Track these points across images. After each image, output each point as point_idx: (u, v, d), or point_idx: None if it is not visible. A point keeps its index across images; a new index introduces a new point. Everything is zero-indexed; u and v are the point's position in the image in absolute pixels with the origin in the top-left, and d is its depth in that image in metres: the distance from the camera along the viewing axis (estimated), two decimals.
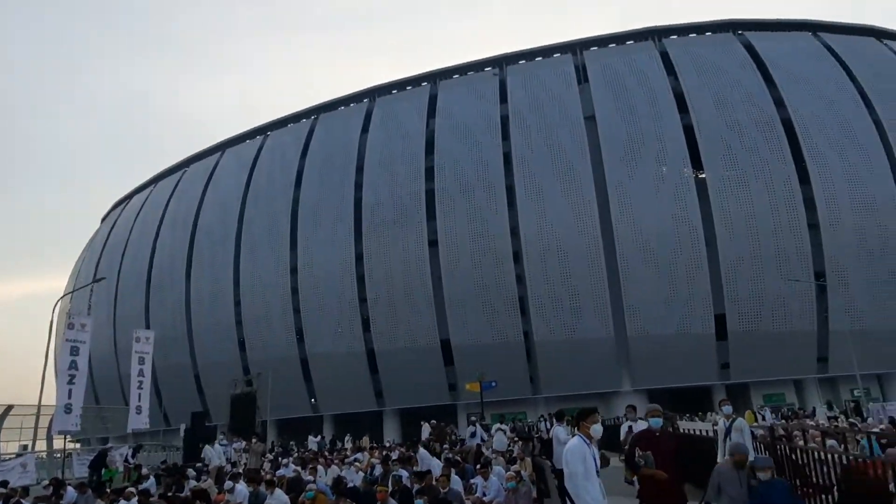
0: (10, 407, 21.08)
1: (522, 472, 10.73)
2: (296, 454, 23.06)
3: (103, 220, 64.27)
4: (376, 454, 17.74)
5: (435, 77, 42.21)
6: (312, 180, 40.08)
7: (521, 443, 18.45)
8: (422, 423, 26.45)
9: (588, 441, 5.40)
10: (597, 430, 5.48)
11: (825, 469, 7.09)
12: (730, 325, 31.18)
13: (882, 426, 15.27)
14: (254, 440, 21.54)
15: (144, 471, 18.74)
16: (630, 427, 10.21)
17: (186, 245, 43.92)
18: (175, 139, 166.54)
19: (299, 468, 15.24)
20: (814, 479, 7.39)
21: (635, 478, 6.22)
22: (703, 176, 32.65)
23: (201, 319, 41.45)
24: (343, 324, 36.31)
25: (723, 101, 34.18)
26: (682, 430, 14.73)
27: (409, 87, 43.14)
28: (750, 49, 36.43)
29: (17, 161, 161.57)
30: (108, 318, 46.97)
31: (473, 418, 23.02)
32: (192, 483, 15.35)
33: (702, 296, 31.34)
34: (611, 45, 39.84)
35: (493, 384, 28.84)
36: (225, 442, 24.11)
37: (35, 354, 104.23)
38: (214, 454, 19.90)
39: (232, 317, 40.08)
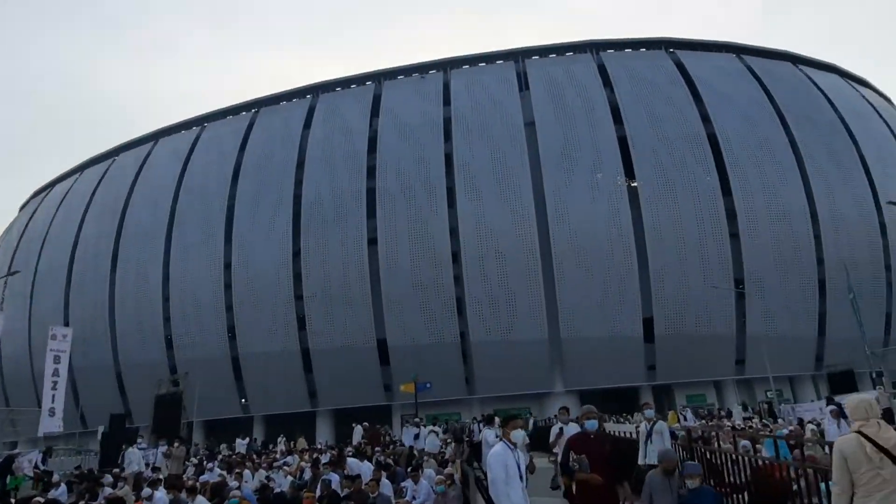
0: None
1: (456, 475, 10.80)
2: (222, 457, 22.18)
3: (21, 209, 60.30)
4: (307, 457, 17.37)
5: (380, 77, 42.15)
6: (250, 174, 39.13)
7: (454, 445, 18.61)
8: (353, 424, 26.22)
9: (511, 446, 5.44)
10: (518, 435, 5.57)
11: (738, 470, 7.46)
12: (657, 329, 32.50)
13: (791, 427, 16.27)
14: (176, 443, 20.49)
15: (55, 477, 17.59)
16: (561, 429, 10.01)
17: (113, 238, 41.83)
18: (103, 126, 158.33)
19: (225, 472, 14.59)
20: (727, 480, 7.76)
21: (570, 483, 5.84)
22: (635, 185, 34.00)
23: (126, 316, 39.51)
24: (278, 322, 35.51)
25: (654, 115, 35.75)
26: (607, 432, 15.14)
27: (353, 86, 42.88)
28: (680, 67, 38.33)
29: None
30: (23, 313, 44.09)
31: (417, 420, 23.02)
32: (108, 490, 14.56)
33: (631, 300, 32.55)
34: (551, 56, 40.96)
35: (428, 385, 28.92)
36: (144, 445, 23.03)
37: None
38: (135, 458, 19.02)
39: (160, 314, 38.44)
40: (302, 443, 27.57)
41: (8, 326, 37.15)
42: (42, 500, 11.22)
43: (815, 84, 39.65)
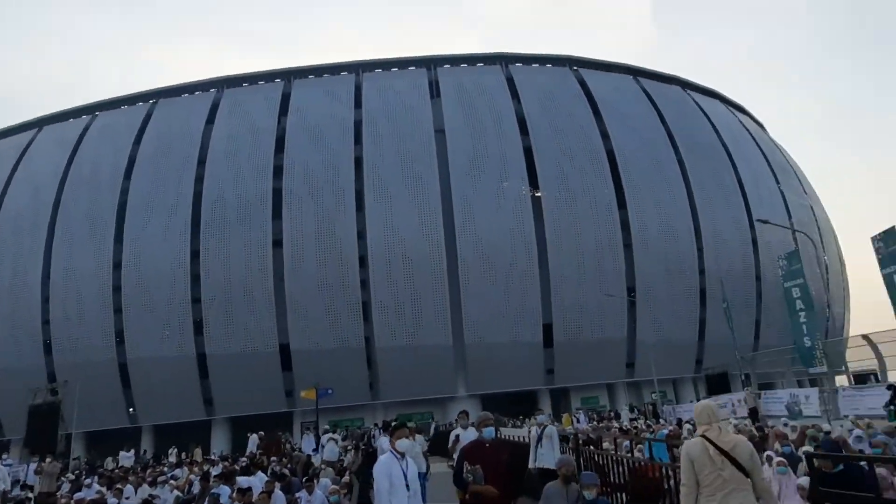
0: None
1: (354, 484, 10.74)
2: (103, 472, 20.64)
3: None
4: (196, 470, 16.60)
5: (289, 75, 41.20)
6: (146, 169, 36.93)
7: (352, 453, 18.39)
8: (248, 434, 25.29)
9: (398, 456, 5.40)
10: (404, 444, 5.51)
11: (619, 470, 7.97)
12: (555, 335, 33.91)
13: (671, 427, 17.51)
14: (48, 458, 18.88)
15: None
16: (458, 435, 9.49)
17: None
18: None
19: (104, 489, 13.62)
20: (611, 479, 8.26)
21: (463, 496, 5.37)
22: (539, 195, 35.34)
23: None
24: (172, 326, 33.73)
25: (558, 129, 37.37)
26: (503, 437, 15.51)
27: (261, 82, 41.61)
28: (582, 84, 40.35)
29: None
30: None
31: (327, 427, 22.55)
32: None
33: (532, 306, 33.77)
34: (463, 65, 41.78)
35: (330, 392, 28.38)
36: (10, 461, 21.15)
37: None
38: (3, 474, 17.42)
39: (38, 316, 35.33)
40: (199, 454, 26.37)
41: None
42: None
43: (701, 108, 43.05)
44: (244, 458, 19.68)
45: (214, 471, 14.21)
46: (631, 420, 26.47)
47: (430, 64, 41.28)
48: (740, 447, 4.40)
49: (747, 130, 45.32)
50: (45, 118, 43.95)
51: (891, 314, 16.38)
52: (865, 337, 21.49)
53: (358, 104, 38.23)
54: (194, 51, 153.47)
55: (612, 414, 31.17)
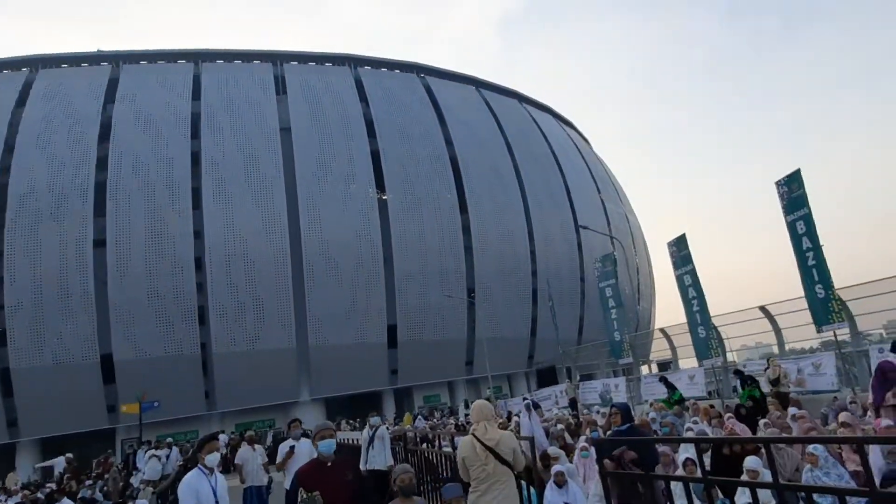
0: None
1: None
2: None
3: None
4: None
5: (118, 59, 37.72)
6: None
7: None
8: (57, 458, 23.03)
9: (206, 471, 5.11)
10: (212, 459, 5.18)
11: (449, 464, 8.59)
12: (399, 335, 34.79)
13: (500, 420, 18.93)
14: None
15: None
16: (292, 447, 8.69)
17: None
18: None
19: None
20: (441, 473, 8.73)
21: None
22: (385, 198, 35.99)
23: None
24: None
25: (405, 133, 38.30)
26: (348, 456, 15.55)
27: (84, 65, 37.59)
28: (429, 91, 41.73)
29: None
30: None
31: (150, 445, 21.00)
32: None
33: (377, 307, 34.35)
34: (310, 63, 41.14)
35: (156, 404, 26.61)
36: None
37: None
38: None
39: None
40: (12, 479, 23.39)
41: None
42: None
43: (535, 121, 46.56)
44: (50, 484, 18.05)
45: (11, 501, 12.91)
46: (466, 416, 28.00)
47: (277, 59, 40.13)
48: (504, 442, 4.76)
49: (574, 144, 49.84)
50: None
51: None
52: (662, 330, 24.75)
53: (196, 96, 36.07)
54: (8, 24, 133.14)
55: (448, 411, 32.71)
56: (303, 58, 41.21)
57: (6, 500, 14.24)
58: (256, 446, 10.98)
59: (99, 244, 31.06)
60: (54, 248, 30.66)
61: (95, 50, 38.62)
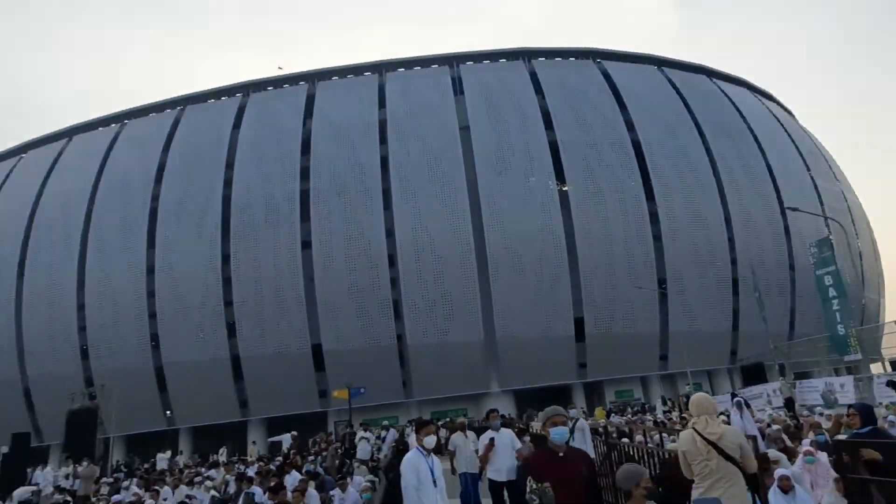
0: None
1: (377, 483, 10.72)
2: (141, 474, 20.86)
3: None
4: (232, 470, 16.76)
5: (313, 77, 41.52)
6: (176, 175, 37.44)
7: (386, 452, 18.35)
8: (282, 435, 25.51)
9: (424, 452, 5.48)
10: (430, 441, 5.54)
11: (652, 462, 7.92)
12: (587, 328, 33.66)
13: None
14: (85, 462, 19.08)
15: None
16: (492, 439, 7.96)
17: (20, 242, 38.77)
18: (9, 121, 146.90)
19: (142, 490, 13.80)
20: (651, 471, 8.21)
21: None
22: (566, 189, 35.14)
23: (36, 325, 36.68)
24: (206, 329, 34.11)
25: (583, 122, 37.13)
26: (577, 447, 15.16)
27: (286, 85, 42.00)
28: (606, 76, 40.07)
29: None
30: None
31: (364, 424, 22.58)
32: None
33: (563, 300, 33.56)
34: (485, 62, 41.75)
35: (362, 391, 28.55)
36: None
37: None
38: (45, 480, 17.69)
39: (74, 322, 35.97)
40: (253, 450, 26.70)
41: None
42: None
43: (727, 96, 42.49)
44: (278, 458, 19.84)
45: (249, 471, 14.25)
46: (665, 412, 26.18)
47: (453, 61, 41.31)
48: (727, 438, 4.52)
49: (775, 118, 44.66)
50: (74, 127, 44.76)
51: None
52: None
53: (382, 104, 38.39)
54: (221, 56, 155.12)
55: (645, 407, 30.85)
56: (477, 57, 41.96)
57: (245, 469, 15.82)
58: (469, 433, 10.90)
59: (305, 246, 34.28)
60: (270, 252, 34.44)
61: (279, 68, 42.89)
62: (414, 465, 5.34)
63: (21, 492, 15.75)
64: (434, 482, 5.36)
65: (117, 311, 35.31)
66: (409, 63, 41.73)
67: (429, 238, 33.72)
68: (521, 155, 35.82)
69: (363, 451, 17.84)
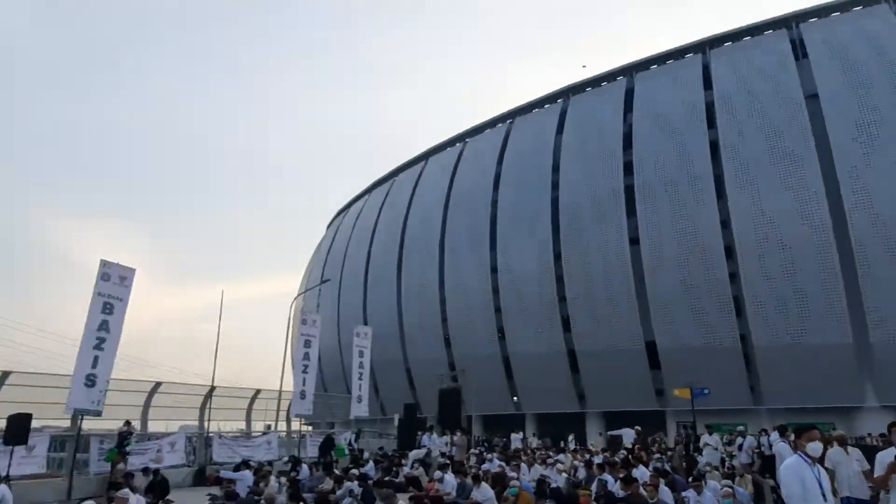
0: (258, 391, 24.69)
1: (739, 489, 10.18)
2: (499, 450, 23.68)
3: (328, 227, 72.94)
4: (579, 457, 17.85)
5: (630, 70, 40.97)
6: (509, 183, 41.44)
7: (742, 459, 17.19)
8: (624, 429, 25.84)
9: (808, 460, 4.86)
10: (815, 448, 4.89)
11: None
12: None
13: None
14: (458, 433, 22.49)
15: (365, 455, 20.78)
16: None
17: (397, 249, 48.12)
18: (387, 150, 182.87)
19: (504, 464, 15.69)
20: None
21: None
22: None
23: (411, 318, 45.09)
24: (543, 323, 36.93)
25: None
26: None
27: (603, 84, 42.43)
28: None
29: (268, 181, 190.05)
30: (332, 315, 53.24)
31: (709, 427, 21.77)
32: (406, 469, 16.93)
33: None
34: (834, 14, 35.12)
35: (706, 392, 27.10)
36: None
37: (280, 345, 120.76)
38: (434, 444, 21.51)
39: (438, 315, 42.97)
40: (599, 441, 28.06)
41: (322, 325, 45.34)
42: (357, 472, 13.78)
43: None
44: (621, 452, 20.34)
45: (597, 459, 15.00)
46: None
47: (791, 22, 35.85)
48: None
49: None
50: (429, 150, 53.28)
51: None
52: None
53: (707, 85, 35.69)
54: (539, 67, 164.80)
55: None
56: (823, 10, 35.57)
57: (590, 457, 16.74)
58: (850, 449, 9.49)
59: (633, 242, 34.16)
60: (597, 248, 35.37)
61: (583, 66, 42.95)
62: (797, 474, 4.76)
63: (416, 452, 19.66)
64: (823, 496, 4.76)
65: (469, 306, 40.88)
66: (735, 35, 37.73)
67: (773, 227, 30.13)
68: (892, 120, 29.17)
69: (712, 456, 17.28)
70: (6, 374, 14.12)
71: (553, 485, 11.83)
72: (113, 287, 14.71)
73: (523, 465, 15.35)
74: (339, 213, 70.09)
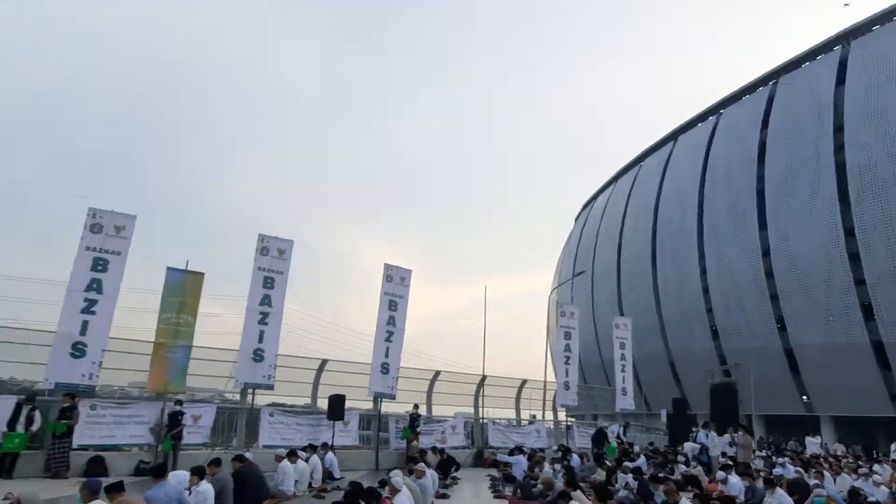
0: (524, 381, 25.36)
1: None
2: (791, 455, 21.00)
3: (576, 220, 72.91)
4: None
5: None
6: (777, 152, 36.23)
7: None
8: None
9: None
10: None
11: None
12: None
13: None
14: (739, 432, 20.46)
15: (636, 449, 20.10)
16: None
17: (649, 236, 45.77)
18: (629, 138, 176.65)
19: (801, 470, 14.05)
20: None
21: None
22: None
23: (670, 308, 42.41)
24: (835, 311, 31.43)
25: None
26: None
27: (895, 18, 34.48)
28: None
29: (513, 177, 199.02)
30: (587, 307, 52.87)
31: None
32: (682, 468, 15.83)
33: None
34: None
35: None
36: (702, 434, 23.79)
37: (539, 339, 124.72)
38: (713, 442, 19.89)
39: (701, 305, 39.65)
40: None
41: (579, 317, 45.39)
42: (630, 465, 13.30)
43: None
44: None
45: None
46: None
47: None
48: None
49: None
50: (676, 130, 49.48)
51: None
52: None
53: None
54: (814, 15, 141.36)
55: None
56: None
57: None
58: None
59: None
60: None
61: (845, 5, 34.54)
62: None
63: (691, 447, 18.54)
64: None
65: (738, 294, 36.80)
66: None
67: None
68: None
69: None
70: (325, 361, 17.19)
71: (871, 499, 10.67)
72: (395, 287, 17.11)
73: (826, 474, 13.54)
74: (585, 205, 69.41)
